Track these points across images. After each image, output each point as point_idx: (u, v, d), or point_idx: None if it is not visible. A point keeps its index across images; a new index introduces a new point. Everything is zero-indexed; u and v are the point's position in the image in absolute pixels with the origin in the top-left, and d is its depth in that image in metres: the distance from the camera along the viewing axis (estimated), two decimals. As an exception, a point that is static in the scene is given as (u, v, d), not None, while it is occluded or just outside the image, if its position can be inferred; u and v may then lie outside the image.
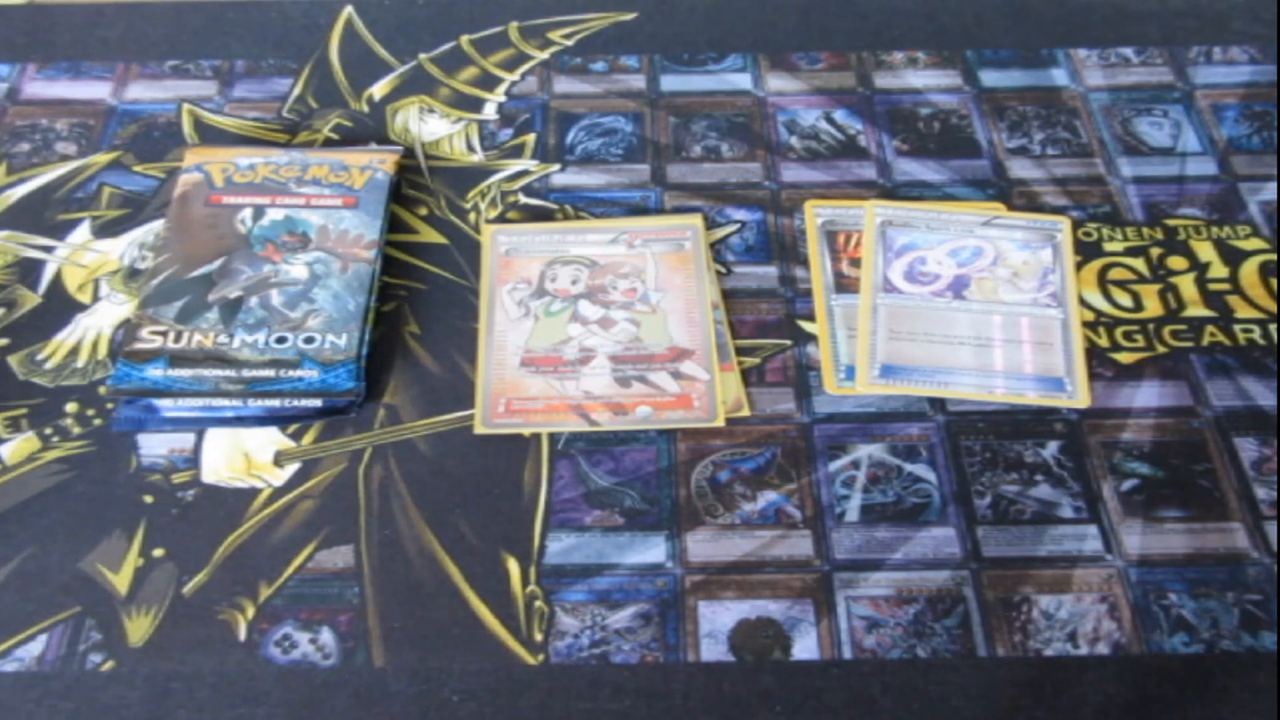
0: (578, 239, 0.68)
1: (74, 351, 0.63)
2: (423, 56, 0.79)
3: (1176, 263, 0.68)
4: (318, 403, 0.60)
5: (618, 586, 0.55)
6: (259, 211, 0.66)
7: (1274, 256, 0.68)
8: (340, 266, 0.64)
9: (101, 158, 0.73)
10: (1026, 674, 0.53)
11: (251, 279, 0.62)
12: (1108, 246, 0.68)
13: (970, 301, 0.65)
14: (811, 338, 0.64)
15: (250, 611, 0.54)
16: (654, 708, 0.52)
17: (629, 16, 0.82)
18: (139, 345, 0.60)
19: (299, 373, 0.59)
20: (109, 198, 0.71)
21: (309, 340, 0.61)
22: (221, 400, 0.59)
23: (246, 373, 0.59)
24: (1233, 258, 0.68)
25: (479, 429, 0.60)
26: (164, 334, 0.60)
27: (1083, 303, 0.65)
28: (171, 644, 0.53)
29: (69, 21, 0.81)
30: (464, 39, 0.80)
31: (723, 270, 0.67)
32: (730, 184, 0.72)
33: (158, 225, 0.68)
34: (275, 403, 0.59)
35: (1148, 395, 0.62)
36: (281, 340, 0.61)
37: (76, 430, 0.60)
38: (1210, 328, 0.64)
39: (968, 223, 0.68)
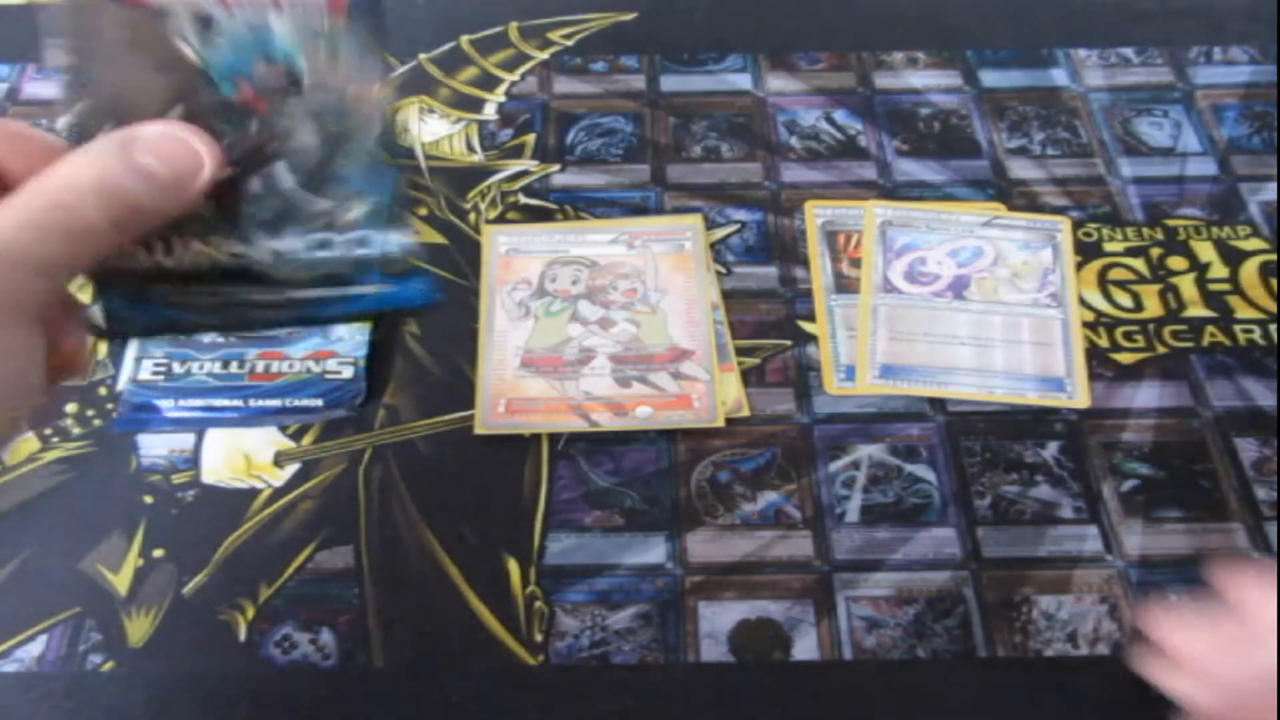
0: (578, 239, 0.68)
1: (74, 351, 0.63)
2: (423, 56, 0.79)
3: (1176, 263, 0.67)
4: (319, 403, 0.60)
5: (618, 587, 0.55)
6: (205, 21, 0.35)
7: (1274, 256, 0.68)
8: (358, 116, 0.38)
9: (101, 158, 0.72)
10: (1026, 674, 0.53)
11: (240, 144, 0.36)
12: (1108, 247, 0.68)
13: (970, 302, 0.65)
14: (811, 338, 0.64)
15: (250, 612, 0.54)
16: (654, 708, 0.52)
17: (629, 16, 0.82)
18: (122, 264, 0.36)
19: (359, 290, 0.38)
20: (109, 198, 0.70)
21: (362, 243, 0.37)
22: (222, 400, 0.59)
23: (292, 294, 0.37)
24: (1233, 258, 0.68)
25: (479, 429, 0.60)
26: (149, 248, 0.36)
27: (1083, 303, 0.65)
28: (171, 644, 0.53)
29: (69, 21, 0.81)
30: (464, 39, 0.80)
31: (723, 270, 0.67)
32: (730, 184, 0.72)
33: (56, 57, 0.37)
34: (276, 403, 0.59)
35: (1148, 395, 0.62)
36: (325, 245, 0.37)
37: (76, 430, 0.60)
38: (1210, 328, 0.64)
39: (968, 223, 0.68)
